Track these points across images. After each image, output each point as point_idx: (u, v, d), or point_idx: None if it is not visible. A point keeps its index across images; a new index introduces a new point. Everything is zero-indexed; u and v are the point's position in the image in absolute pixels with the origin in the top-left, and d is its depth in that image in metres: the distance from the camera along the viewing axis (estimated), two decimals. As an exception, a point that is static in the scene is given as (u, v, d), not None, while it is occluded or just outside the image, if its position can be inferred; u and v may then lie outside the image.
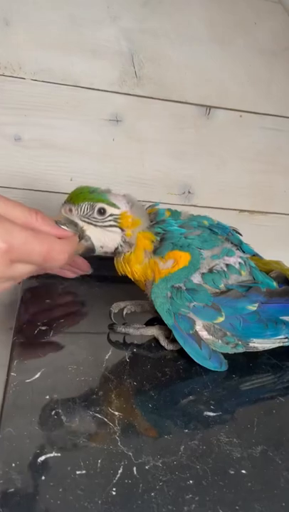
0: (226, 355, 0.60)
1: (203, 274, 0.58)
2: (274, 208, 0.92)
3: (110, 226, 0.57)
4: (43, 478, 0.38)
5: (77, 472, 0.39)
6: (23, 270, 0.44)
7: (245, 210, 0.91)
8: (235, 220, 0.70)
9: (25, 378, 0.51)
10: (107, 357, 0.58)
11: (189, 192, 0.86)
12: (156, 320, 0.66)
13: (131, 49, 0.76)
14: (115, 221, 0.58)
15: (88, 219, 0.56)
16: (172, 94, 0.79)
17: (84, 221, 0.56)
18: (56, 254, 0.44)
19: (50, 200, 0.78)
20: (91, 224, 0.57)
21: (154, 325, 0.64)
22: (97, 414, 0.46)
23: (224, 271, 0.59)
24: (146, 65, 0.77)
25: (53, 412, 0.46)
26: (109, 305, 0.67)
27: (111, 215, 0.57)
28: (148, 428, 0.46)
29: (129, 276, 0.61)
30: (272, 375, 0.61)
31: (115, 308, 0.68)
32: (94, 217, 0.56)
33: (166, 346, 0.62)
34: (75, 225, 0.56)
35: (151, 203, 0.65)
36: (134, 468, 0.40)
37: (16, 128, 0.76)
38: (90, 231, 0.57)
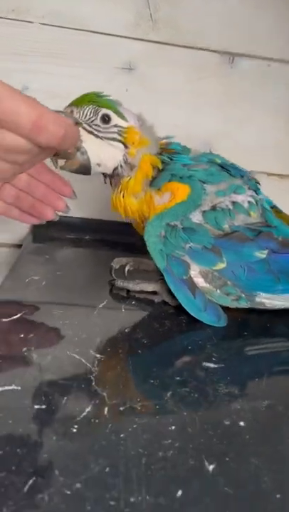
0: (239, 313, 0.52)
1: (204, 212, 0.50)
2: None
3: (113, 139, 0.50)
4: (-7, 409, 0.31)
5: (36, 406, 0.32)
6: (13, 141, 0.38)
7: (274, 174, 0.82)
8: (262, 185, 0.61)
9: (3, 318, 0.45)
10: (100, 306, 0.51)
11: (210, 151, 0.79)
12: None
13: (146, -11, 0.70)
14: (120, 134, 0.50)
15: (89, 126, 0.49)
16: (191, 40, 0.73)
17: (84, 128, 0.49)
18: (48, 122, 0.37)
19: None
20: (92, 134, 0.49)
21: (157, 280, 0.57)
22: (74, 355, 0.40)
23: (229, 209, 0.50)
24: (163, 7, 0.71)
25: (24, 349, 0.40)
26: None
27: (116, 125, 0.50)
28: (131, 372, 0.39)
29: (122, 213, 0.54)
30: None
31: (116, 263, 0.61)
32: (96, 125, 0.49)
33: (170, 302, 0.54)
34: None
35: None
36: (106, 409, 0.33)
37: (23, 76, 0.72)
38: (89, 143, 0.49)
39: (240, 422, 0.34)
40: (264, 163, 0.81)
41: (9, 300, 0.50)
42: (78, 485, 0.26)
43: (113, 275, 0.59)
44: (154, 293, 0.56)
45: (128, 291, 0.56)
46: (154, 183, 0.51)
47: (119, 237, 0.76)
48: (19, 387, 0.34)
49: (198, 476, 0.28)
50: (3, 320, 0.45)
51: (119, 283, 0.57)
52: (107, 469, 0.27)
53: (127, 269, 0.61)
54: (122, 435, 0.31)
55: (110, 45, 0.72)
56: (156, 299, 0.56)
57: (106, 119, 0.50)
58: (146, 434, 0.31)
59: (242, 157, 0.80)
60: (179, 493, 0.26)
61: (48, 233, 0.75)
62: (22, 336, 0.42)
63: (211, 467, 0.29)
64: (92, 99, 0.50)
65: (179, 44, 0.73)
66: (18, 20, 0.70)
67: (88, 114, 0.49)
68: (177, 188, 0.49)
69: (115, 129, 0.50)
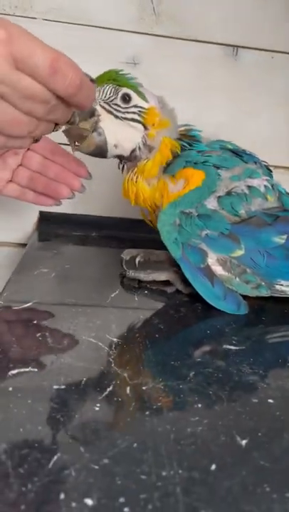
0: (255, 300, 0.50)
1: (219, 197, 0.48)
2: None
3: (132, 120, 0.49)
4: (10, 389, 0.30)
5: (55, 387, 0.31)
6: (29, 85, 0.35)
7: (281, 167, 0.81)
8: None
9: (14, 306, 0.44)
10: (113, 295, 0.50)
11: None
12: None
13: (148, -18, 0.70)
14: (139, 115, 0.49)
15: (109, 105, 0.48)
16: (195, 33, 0.73)
17: (103, 107, 0.48)
18: (64, 65, 0.35)
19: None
20: (111, 113, 0.48)
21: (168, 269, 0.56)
22: (90, 339, 0.38)
23: (245, 194, 0.49)
24: (166, 0, 0.71)
25: (39, 334, 0.38)
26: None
27: (136, 106, 0.49)
28: (151, 354, 0.38)
29: (132, 200, 0.52)
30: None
31: (127, 255, 0.59)
32: (115, 105, 0.48)
33: (183, 290, 0.52)
34: (92, 113, 0.47)
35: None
36: (128, 388, 0.32)
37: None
38: (107, 123, 0.48)
39: (269, 400, 0.32)
40: (271, 157, 0.80)
41: (19, 290, 0.48)
42: (106, 460, 0.24)
43: (124, 266, 0.58)
44: (166, 284, 0.55)
45: (139, 281, 0.55)
46: (168, 169, 0.50)
47: (127, 234, 0.76)
48: (36, 369, 0.33)
49: (232, 450, 0.26)
50: (15, 308, 0.43)
51: (131, 273, 0.55)
52: (135, 445, 0.26)
53: (138, 260, 0.59)
54: (147, 412, 0.29)
55: (114, 40, 0.72)
56: (169, 289, 0.54)
57: (126, 98, 0.48)
58: (173, 411, 0.30)
59: (250, 150, 0.80)
60: (213, 466, 0.25)
61: (54, 231, 0.74)
62: (35, 322, 0.41)
63: (243, 442, 0.27)
64: (112, 77, 0.48)
65: (183, 37, 0.73)
66: (21, 16, 0.69)
67: (108, 93, 0.48)
68: (192, 174, 0.48)
69: (135, 110, 0.49)
